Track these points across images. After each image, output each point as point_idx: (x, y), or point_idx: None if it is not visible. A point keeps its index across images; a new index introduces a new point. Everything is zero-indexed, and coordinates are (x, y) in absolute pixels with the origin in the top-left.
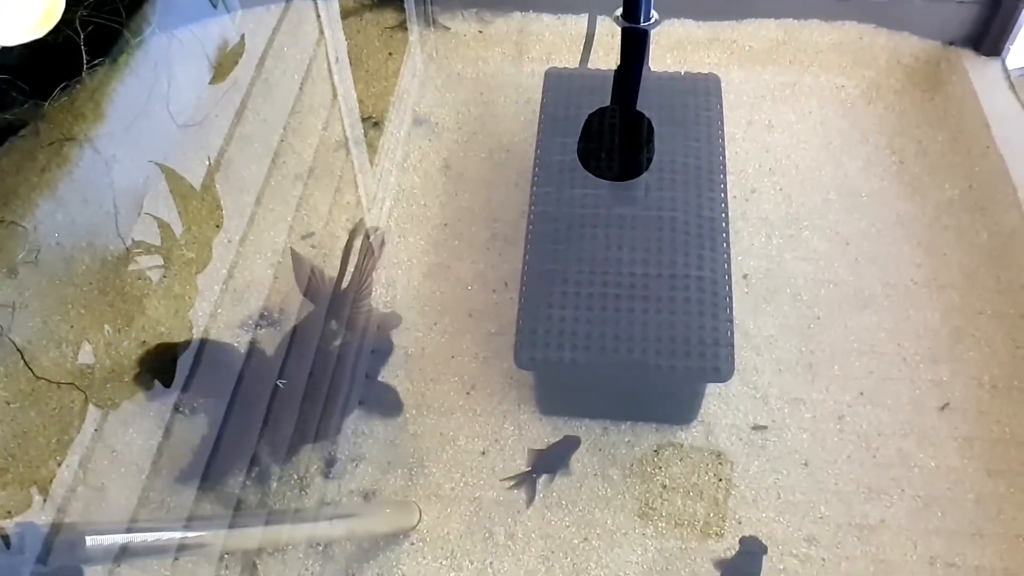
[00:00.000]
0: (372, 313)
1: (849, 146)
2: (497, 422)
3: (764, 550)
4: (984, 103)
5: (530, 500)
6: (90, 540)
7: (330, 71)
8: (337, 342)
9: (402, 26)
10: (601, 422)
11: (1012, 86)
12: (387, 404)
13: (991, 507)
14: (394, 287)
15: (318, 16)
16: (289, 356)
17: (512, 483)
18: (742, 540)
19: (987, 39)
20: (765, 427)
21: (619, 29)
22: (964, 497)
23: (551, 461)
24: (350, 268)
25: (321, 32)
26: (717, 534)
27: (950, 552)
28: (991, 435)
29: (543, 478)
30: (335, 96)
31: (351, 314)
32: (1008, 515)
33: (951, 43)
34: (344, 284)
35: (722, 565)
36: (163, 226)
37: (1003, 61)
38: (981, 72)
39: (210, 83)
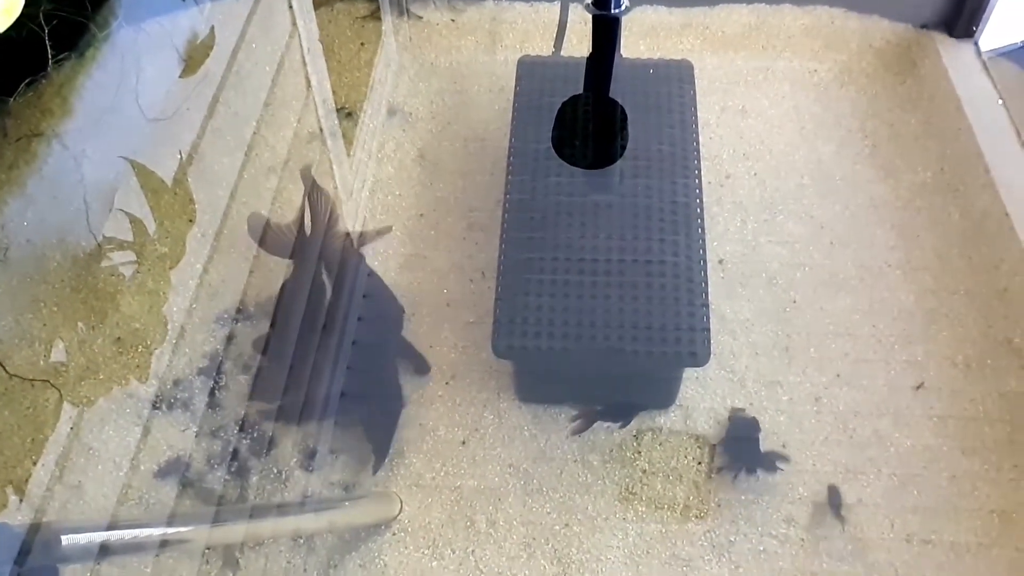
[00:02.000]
0: (350, 239)
1: (822, 130)
2: (477, 411)
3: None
4: (956, 85)
5: (576, 432)
6: (66, 539)
7: (304, 62)
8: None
9: (373, 16)
10: (581, 408)
11: (985, 68)
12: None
13: (965, 484)
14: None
15: (290, 7)
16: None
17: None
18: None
19: (959, 21)
20: (743, 410)
21: (591, 17)
22: (939, 475)
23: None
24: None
25: (293, 23)
26: (697, 517)
27: (926, 529)
28: (965, 413)
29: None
30: (308, 87)
31: (327, 245)
32: (982, 492)
33: (923, 26)
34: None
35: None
36: (135, 222)
37: (975, 43)
38: (953, 54)
39: (180, 76)
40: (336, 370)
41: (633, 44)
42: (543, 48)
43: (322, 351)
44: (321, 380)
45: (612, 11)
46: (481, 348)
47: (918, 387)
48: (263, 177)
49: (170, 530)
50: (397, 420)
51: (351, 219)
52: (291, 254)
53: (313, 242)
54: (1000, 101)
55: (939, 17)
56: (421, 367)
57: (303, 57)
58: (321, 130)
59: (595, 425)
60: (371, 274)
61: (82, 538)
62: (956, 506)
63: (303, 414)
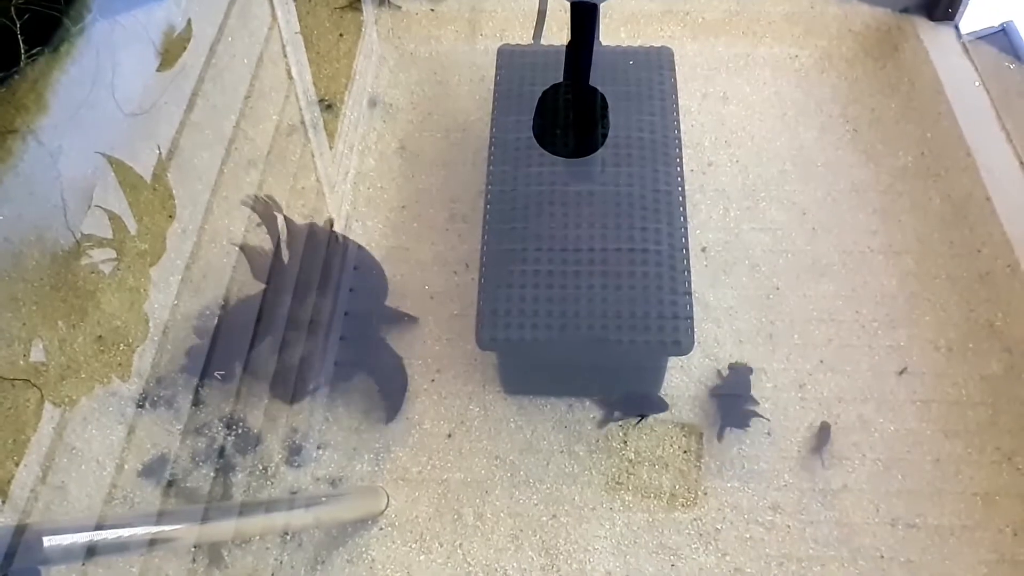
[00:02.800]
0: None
1: (804, 116)
2: (462, 404)
3: (751, 370)
4: (936, 69)
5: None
6: (48, 540)
7: (283, 54)
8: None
9: (352, 6)
10: (566, 399)
11: (965, 51)
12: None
13: (949, 467)
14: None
15: (271, 0)
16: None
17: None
18: (730, 366)
19: (939, 5)
20: (728, 397)
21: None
22: (923, 459)
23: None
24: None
25: (272, 14)
26: (684, 505)
27: (910, 513)
28: (948, 397)
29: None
30: (288, 79)
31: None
32: (966, 475)
33: (904, 10)
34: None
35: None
36: (114, 218)
37: (956, 27)
38: (933, 38)
39: (157, 70)
40: (329, 341)
41: (614, 31)
42: (523, 37)
43: (315, 323)
44: (315, 350)
45: None
46: (466, 340)
47: (901, 372)
48: (243, 171)
49: (155, 529)
50: (405, 371)
51: (335, 212)
52: (267, 279)
53: (290, 268)
54: (980, 84)
55: (919, 1)
56: (410, 322)
57: (283, 49)
58: (302, 122)
59: (581, 415)
60: (360, 248)
61: (66, 539)
62: (940, 489)
63: (296, 391)
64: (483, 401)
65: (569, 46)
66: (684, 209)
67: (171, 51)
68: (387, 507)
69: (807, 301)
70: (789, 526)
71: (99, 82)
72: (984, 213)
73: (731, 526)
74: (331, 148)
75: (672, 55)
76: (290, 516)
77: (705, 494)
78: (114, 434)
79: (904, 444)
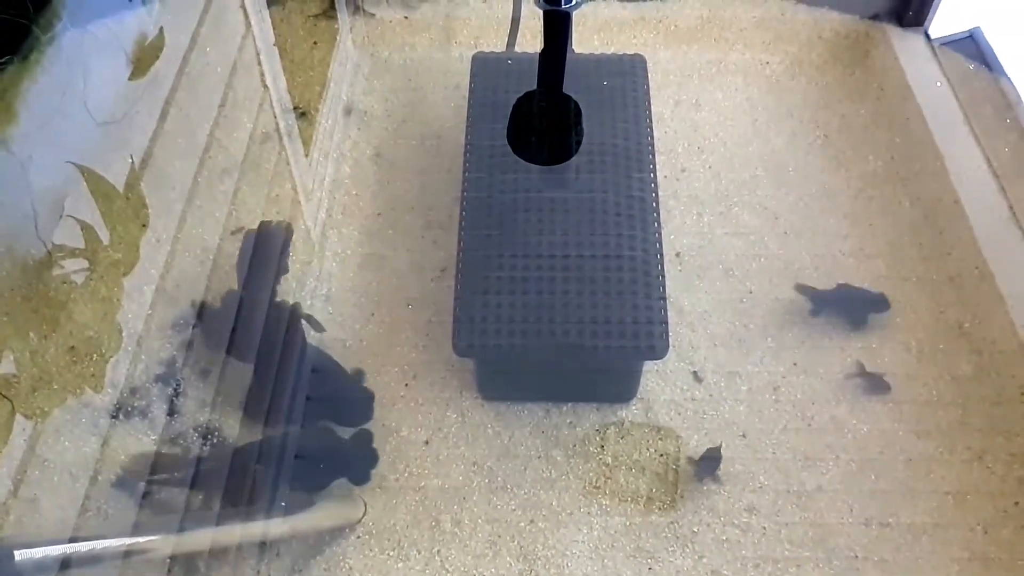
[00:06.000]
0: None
1: (775, 122)
2: (439, 410)
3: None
4: (905, 75)
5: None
6: (19, 555)
7: (258, 62)
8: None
9: (325, 14)
10: (543, 405)
11: (934, 56)
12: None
13: (921, 467)
14: (329, 280)
15: (243, 6)
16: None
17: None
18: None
19: (909, 11)
20: (703, 401)
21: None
22: (896, 459)
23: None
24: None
25: (246, 22)
26: (661, 509)
27: (884, 513)
28: (919, 398)
29: None
30: (262, 88)
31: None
32: (937, 474)
33: (874, 16)
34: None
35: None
36: (86, 228)
37: (925, 32)
38: (903, 44)
39: (129, 79)
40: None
41: (587, 39)
42: (497, 44)
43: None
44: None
45: (563, 6)
46: (442, 347)
47: (873, 373)
48: (217, 179)
49: (129, 540)
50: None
51: (311, 220)
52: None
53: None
54: (949, 89)
55: (888, 8)
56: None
57: (257, 57)
58: (277, 130)
59: (558, 420)
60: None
61: (38, 552)
62: (912, 489)
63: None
64: (460, 407)
65: (542, 54)
66: (658, 215)
67: (143, 60)
68: (364, 515)
69: (780, 304)
70: (765, 527)
71: (70, 91)
72: (953, 217)
73: (707, 528)
74: (306, 156)
75: (645, 63)
76: (267, 525)
77: (682, 497)
78: (87, 445)
79: (877, 445)
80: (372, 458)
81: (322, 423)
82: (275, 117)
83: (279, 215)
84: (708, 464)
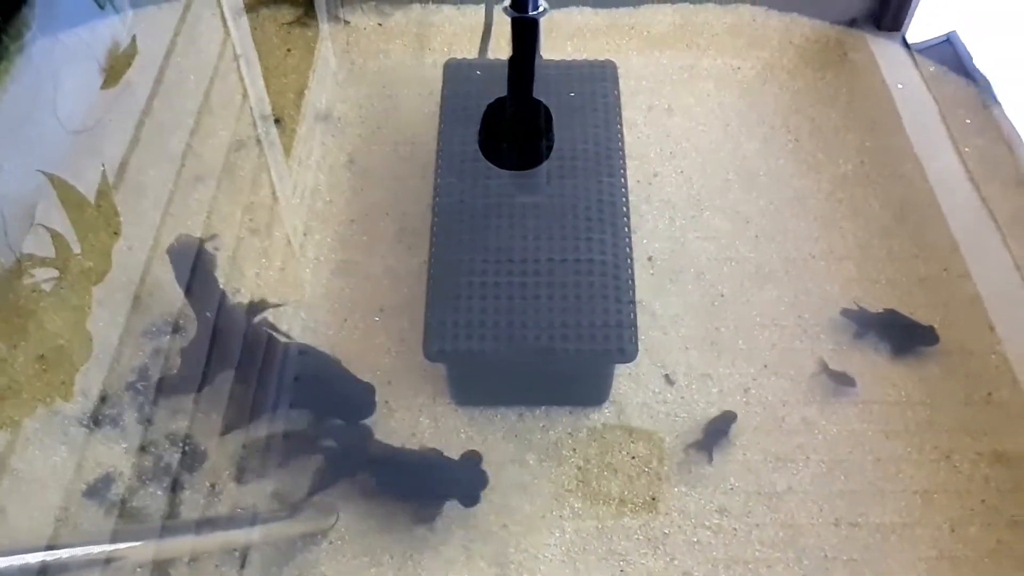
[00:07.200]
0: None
1: (747, 127)
2: (413, 416)
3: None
4: (875, 78)
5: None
6: None
7: (232, 69)
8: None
9: (299, 21)
10: (516, 409)
11: (911, 60)
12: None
13: (890, 467)
14: (302, 287)
15: (221, 14)
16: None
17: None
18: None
19: (887, 15)
20: (675, 403)
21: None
22: (865, 459)
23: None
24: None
25: (224, 30)
26: (632, 511)
27: (853, 513)
28: (888, 398)
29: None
30: (237, 95)
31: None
32: (906, 473)
33: (851, 22)
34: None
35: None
36: (56, 236)
37: (903, 37)
38: (877, 49)
39: (102, 87)
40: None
41: (560, 45)
42: (470, 51)
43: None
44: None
45: (530, 13)
46: (416, 352)
47: (844, 374)
48: (190, 187)
49: (99, 549)
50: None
51: (289, 226)
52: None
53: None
54: (922, 91)
55: (867, 12)
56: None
57: (231, 64)
58: (251, 138)
59: (531, 424)
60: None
61: (5, 562)
62: (881, 489)
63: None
64: (433, 413)
65: (511, 60)
66: (628, 219)
67: (116, 68)
68: (336, 522)
69: (751, 307)
70: (736, 529)
71: (41, 99)
72: (922, 219)
73: (679, 530)
74: (280, 163)
75: (616, 68)
76: (239, 533)
77: (653, 499)
78: (57, 455)
79: (846, 445)
80: (482, 480)
81: (329, 421)
82: (249, 124)
83: (251, 222)
84: (717, 431)
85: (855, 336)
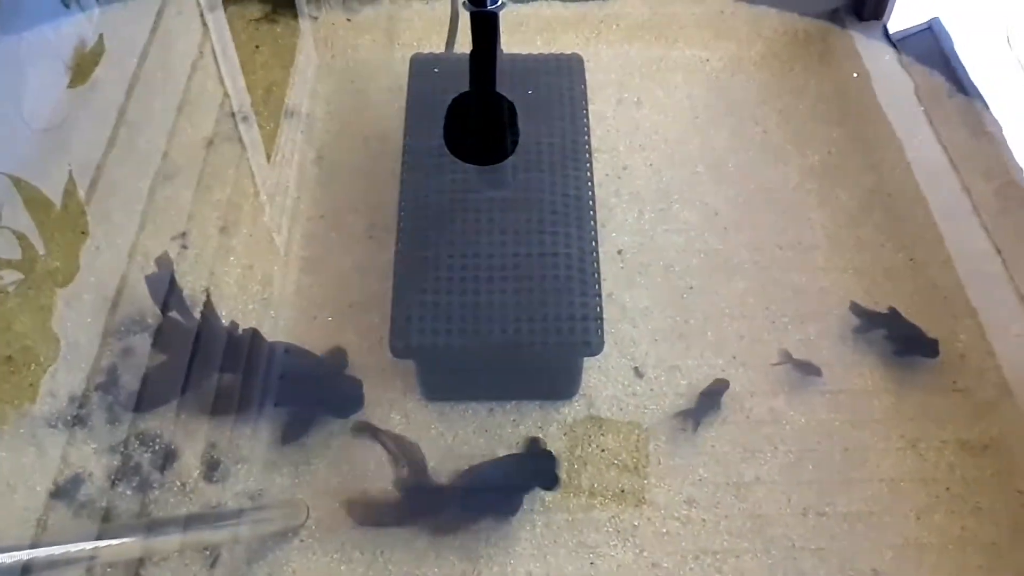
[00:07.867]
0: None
1: (715, 119)
2: (383, 412)
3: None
4: (845, 71)
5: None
6: None
7: (202, 66)
8: None
9: (267, 18)
10: (487, 404)
11: (895, 49)
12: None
13: (857, 456)
14: (270, 284)
15: (199, 11)
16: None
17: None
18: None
19: (863, 6)
20: (644, 395)
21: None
22: (832, 449)
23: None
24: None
25: (192, 27)
26: (602, 504)
27: (821, 502)
28: (855, 387)
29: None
30: (204, 92)
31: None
32: (872, 462)
33: (823, 13)
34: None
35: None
36: (21, 237)
37: (884, 28)
38: (847, 40)
39: (68, 86)
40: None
41: (530, 39)
42: (440, 45)
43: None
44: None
45: (488, 7)
46: (386, 348)
47: (811, 365)
48: (159, 185)
49: (64, 548)
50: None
51: (258, 223)
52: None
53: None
54: (901, 79)
55: (827, 7)
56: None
57: (206, 61)
58: (219, 135)
59: (501, 419)
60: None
61: None
62: (849, 478)
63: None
64: (404, 409)
65: (472, 55)
66: (594, 213)
67: (83, 66)
68: (307, 519)
69: (720, 299)
70: (704, 520)
71: (5, 99)
72: (888, 208)
73: (648, 522)
74: (250, 160)
75: (582, 62)
76: (208, 531)
77: (623, 491)
78: (25, 456)
79: (814, 435)
80: (553, 475)
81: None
82: (217, 121)
83: (219, 219)
84: (709, 401)
85: (855, 331)
